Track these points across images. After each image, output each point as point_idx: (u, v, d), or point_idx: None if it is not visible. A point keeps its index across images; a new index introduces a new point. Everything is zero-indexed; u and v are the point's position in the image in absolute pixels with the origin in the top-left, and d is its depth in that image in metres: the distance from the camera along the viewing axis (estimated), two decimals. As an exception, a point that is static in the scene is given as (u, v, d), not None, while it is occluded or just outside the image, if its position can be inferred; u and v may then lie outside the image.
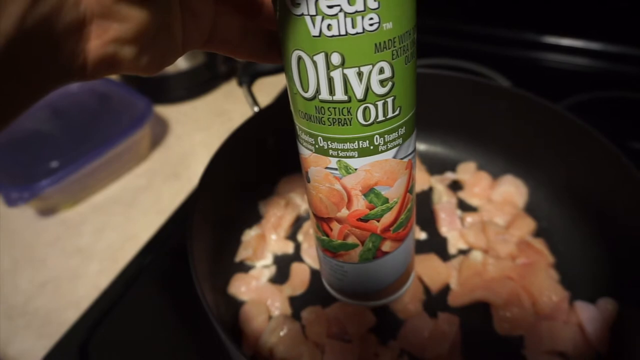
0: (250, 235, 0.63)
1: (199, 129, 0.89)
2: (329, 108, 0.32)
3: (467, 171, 0.70)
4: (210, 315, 0.44)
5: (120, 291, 0.62)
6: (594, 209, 0.61)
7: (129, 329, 0.58)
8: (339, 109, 0.32)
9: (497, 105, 0.67)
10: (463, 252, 0.62)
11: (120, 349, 0.56)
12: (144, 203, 0.76)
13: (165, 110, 0.93)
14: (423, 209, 0.68)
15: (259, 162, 0.66)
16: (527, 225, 0.62)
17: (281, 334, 0.51)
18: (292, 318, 0.55)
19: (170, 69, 0.89)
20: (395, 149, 0.35)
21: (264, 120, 0.63)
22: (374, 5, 0.28)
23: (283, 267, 0.62)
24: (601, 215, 0.60)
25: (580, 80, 0.93)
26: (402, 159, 0.35)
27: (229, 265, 0.62)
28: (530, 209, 0.66)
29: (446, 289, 0.58)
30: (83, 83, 0.87)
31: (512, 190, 0.66)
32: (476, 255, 0.58)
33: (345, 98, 0.31)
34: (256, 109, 0.64)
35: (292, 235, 0.65)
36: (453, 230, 0.64)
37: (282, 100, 0.65)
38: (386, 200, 0.36)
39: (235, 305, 0.58)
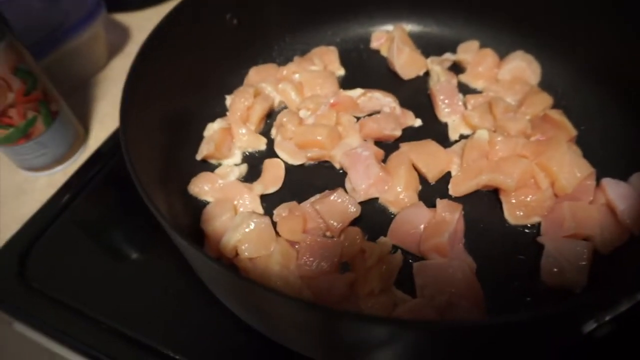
0: (213, 128, 0.53)
1: (164, 35, 0.78)
2: None
3: (468, 51, 0.59)
4: (154, 210, 0.35)
5: (65, 202, 0.53)
6: (623, 81, 0.51)
7: (73, 238, 0.51)
8: None
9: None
10: (467, 138, 0.52)
11: (61, 261, 0.49)
12: (101, 112, 0.66)
13: (126, 18, 0.82)
14: (418, 95, 0.58)
15: (220, 46, 0.56)
16: (543, 101, 0.52)
17: (247, 230, 0.43)
18: (261, 214, 0.46)
19: (126, -34, 0.77)
20: None
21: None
22: None
23: (256, 165, 0.53)
24: (634, 88, 0.50)
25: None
26: None
27: (191, 165, 0.52)
28: (546, 87, 0.55)
29: (447, 178, 0.49)
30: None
31: (523, 66, 0.55)
32: (482, 133, 0.49)
33: None
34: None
35: (265, 132, 0.56)
36: (454, 113, 0.54)
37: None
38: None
39: (198, 207, 0.49)
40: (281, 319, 0.34)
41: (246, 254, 0.42)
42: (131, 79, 0.44)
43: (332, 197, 0.45)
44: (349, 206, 0.45)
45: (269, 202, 0.49)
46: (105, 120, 0.65)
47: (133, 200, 0.51)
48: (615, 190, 0.43)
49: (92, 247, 0.51)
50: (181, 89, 0.52)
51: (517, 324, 0.27)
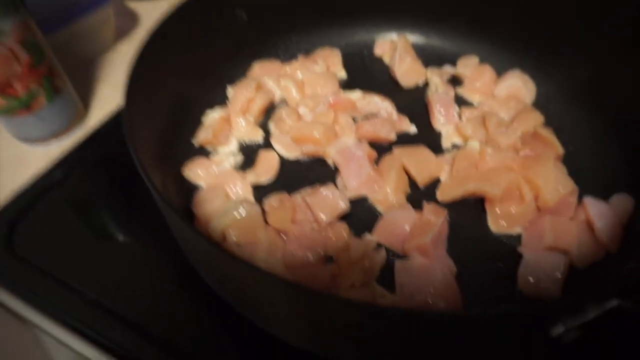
0: (212, 117, 0.54)
1: (172, 24, 0.79)
2: None
3: (467, 65, 0.61)
4: (151, 187, 0.36)
5: (59, 176, 0.54)
6: (614, 108, 0.53)
7: (63, 212, 0.52)
8: None
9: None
10: (458, 148, 0.54)
11: (50, 233, 0.50)
12: (102, 92, 0.67)
13: (137, 5, 0.83)
14: (416, 103, 0.59)
15: (228, 38, 0.57)
16: (535, 119, 0.53)
17: (237, 216, 0.44)
18: (252, 202, 0.47)
19: (142, -47, 0.79)
20: None
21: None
22: None
23: (251, 155, 0.54)
24: (623, 115, 0.51)
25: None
26: None
27: (188, 149, 0.53)
28: (539, 106, 0.57)
29: (436, 184, 0.50)
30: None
31: (519, 84, 0.57)
32: (473, 144, 0.50)
33: None
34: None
35: (262, 124, 0.57)
36: (449, 123, 0.55)
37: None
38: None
39: (190, 190, 0.50)
40: (262, 299, 0.35)
41: (234, 239, 0.43)
42: (139, 60, 0.45)
43: (322, 191, 0.46)
44: (339, 201, 0.46)
45: (261, 193, 0.50)
46: (106, 101, 0.66)
47: (125, 182, 0.53)
48: (595, 209, 0.44)
49: (80, 223, 0.52)
50: (185, 75, 0.54)
51: (482, 319, 0.28)
